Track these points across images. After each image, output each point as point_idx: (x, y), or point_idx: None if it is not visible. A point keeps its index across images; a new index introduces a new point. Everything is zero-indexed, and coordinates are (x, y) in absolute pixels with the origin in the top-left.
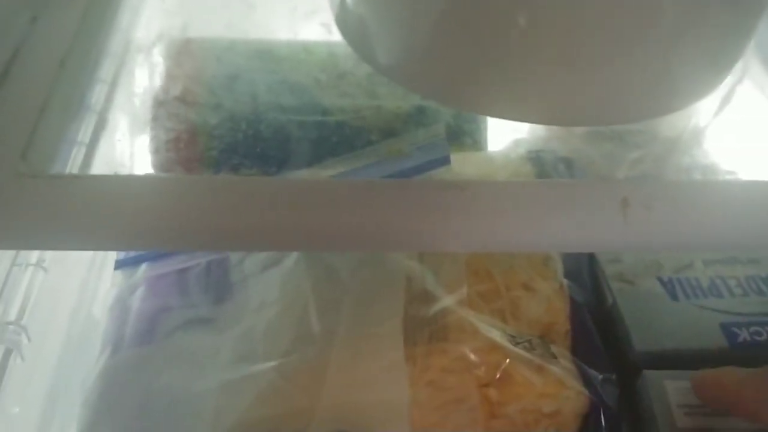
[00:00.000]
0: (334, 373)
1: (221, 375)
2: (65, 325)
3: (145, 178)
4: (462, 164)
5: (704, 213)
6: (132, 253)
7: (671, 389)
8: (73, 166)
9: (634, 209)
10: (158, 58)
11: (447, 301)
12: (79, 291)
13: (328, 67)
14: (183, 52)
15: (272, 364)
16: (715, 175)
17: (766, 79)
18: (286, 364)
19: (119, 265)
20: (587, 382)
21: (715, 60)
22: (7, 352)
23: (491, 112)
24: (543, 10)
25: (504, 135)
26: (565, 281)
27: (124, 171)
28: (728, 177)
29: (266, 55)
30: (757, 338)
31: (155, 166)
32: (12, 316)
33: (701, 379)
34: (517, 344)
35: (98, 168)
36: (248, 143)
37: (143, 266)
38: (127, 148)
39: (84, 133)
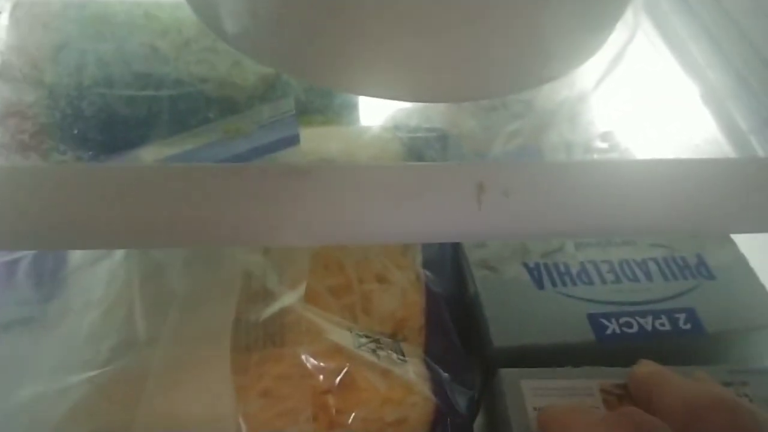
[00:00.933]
0: (153, 385)
1: (38, 385)
2: None
3: None
4: (321, 141)
5: (566, 198)
6: None
7: (528, 390)
8: None
9: (490, 195)
10: None
11: (288, 299)
12: None
13: (169, 34)
14: (10, 20)
15: (89, 374)
16: (593, 153)
17: (658, 35)
18: (103, 374)
19: None
20: (437, 385)
21: (590, 24)
22: None
23: (348, 87)
24: None
25: (379, 107)
26: (422, 271)
27: None
28: (605, 155)
29: (101, 20)
30: (627, 330)
31: None
32: None
33: (545, 416)
34: (362, 345)
35: None
36: (66, 124)
37: None
38: None
39: None
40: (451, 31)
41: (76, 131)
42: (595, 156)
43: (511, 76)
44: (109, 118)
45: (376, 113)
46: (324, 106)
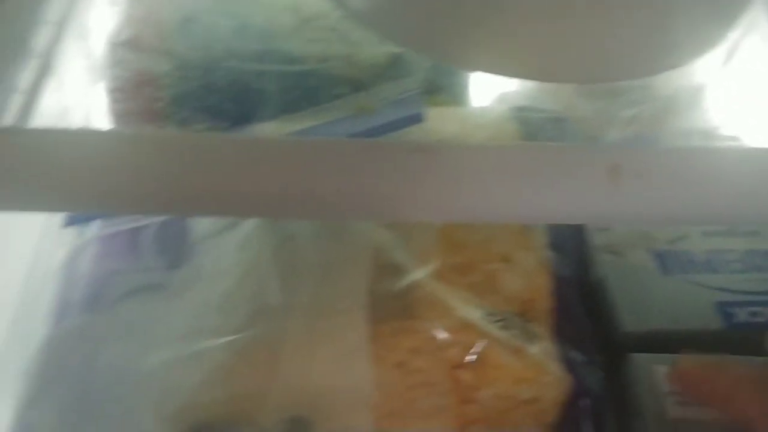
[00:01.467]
0: (291, 352)
1: (169, 350)
2: (12, 287)
3: (83, 133)
4: (439, 121)
5: (701, 183)
6: None
7: (661, 374)
8: (10, 117)
9: (624, 177)
10: None
11: (417, 274)
12: (30, 250)
13: (294, 9)
14: None
15: (224, 340)
16: (714, 141)
17: None
18: (239, 340)
19: (69, 221)
20: (570, 365)
21: (717, 12)
22: None
23: (475, 65)
24: None
25: (489, 88)
26: (547, 252)
27: (69, 122)
28: (728, 143)
29: None
30: (755, 320)
31: (104, 116)
32: None
33: (685, 368)
34: (493, 323)
35: (40, 119)
36: (200, 94)
37: (95, 223)
38: (72, 97)
39: (25, 80)
40: (586, 11)
41: (209, 102)
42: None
43: (639, 60)
44: (241, 91)
45: (482, 94)
46: (450, 85)
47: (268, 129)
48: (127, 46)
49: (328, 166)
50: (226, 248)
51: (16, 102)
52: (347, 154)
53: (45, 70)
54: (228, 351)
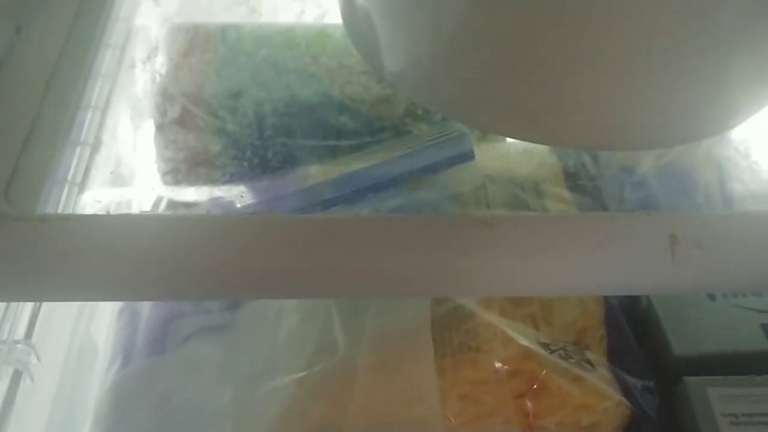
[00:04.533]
0: (361, 387)
1: (240, 389)
2: (68, 337)
3: (141, 218)
4: (482, 157)
5: (760, 249)
6: None
7: (715, 397)
8: (64, 205)
9: (682, 247)
10: (154, 75)
11: (475, 307)
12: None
13: (339, 80)
14: (180, 66)
15: (294, 377)
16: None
17: None
18: (308, 377)
19: None
20: (626, 391)
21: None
22: (17, 374)
23: (518, 135)
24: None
25: None
26: None
27: (122, 207)
28: None
29: (272, 68)
30: None
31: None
32: (20, 333)
33: None
34: (551, 352)
35: (92, 206)
36: (255, 174)
37: None
38: (123, 180)
39: (76, 166)
40: (635, 78)
41: (264, 179)
42: None
43: (697, 124)
44: (295, 169)
45: None
46: None
47: (321, 171)
48: (177, 125)
49: (383, 243)
50: None
51: (68, 189)
52: (403, 230)
53: (93, 154)
54: (298, 388)
